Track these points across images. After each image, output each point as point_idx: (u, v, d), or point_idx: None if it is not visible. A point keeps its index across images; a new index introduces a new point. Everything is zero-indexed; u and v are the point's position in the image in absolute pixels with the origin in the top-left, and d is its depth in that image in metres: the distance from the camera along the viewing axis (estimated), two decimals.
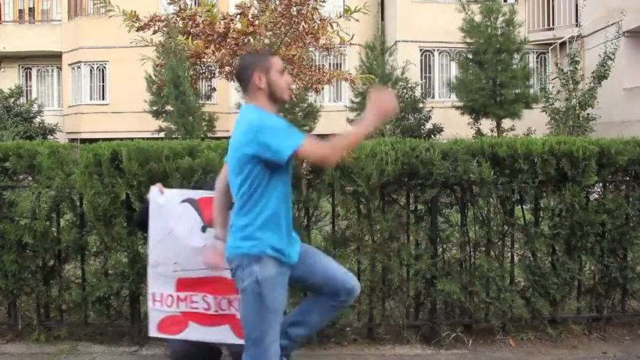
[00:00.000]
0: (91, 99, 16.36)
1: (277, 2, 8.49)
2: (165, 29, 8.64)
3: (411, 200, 3.65)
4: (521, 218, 3.68)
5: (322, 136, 2.35)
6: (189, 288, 2.76)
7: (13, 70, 17.57)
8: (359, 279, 3.50)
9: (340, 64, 14.75)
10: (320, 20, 8.65)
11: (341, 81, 9.85)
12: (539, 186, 3.59)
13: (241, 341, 2.68)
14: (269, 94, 2.35)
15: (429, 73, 15.47)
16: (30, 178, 3.70)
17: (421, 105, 13.53)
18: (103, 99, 16.32)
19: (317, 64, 10.37)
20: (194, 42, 8.28)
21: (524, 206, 3.73)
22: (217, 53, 8.14)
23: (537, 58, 15.20)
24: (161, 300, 2.80)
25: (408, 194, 3.63)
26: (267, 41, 8.08)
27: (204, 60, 8.97)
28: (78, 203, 3.58)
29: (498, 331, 3.67)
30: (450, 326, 3.66)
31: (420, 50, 15.19)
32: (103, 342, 3.64)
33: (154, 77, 11.71)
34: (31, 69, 17.88)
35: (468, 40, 11.97)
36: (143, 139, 3.71)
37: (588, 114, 10.79)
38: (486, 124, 12.28)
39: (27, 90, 17.20)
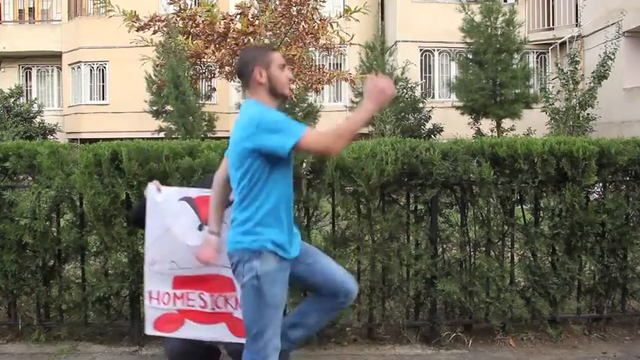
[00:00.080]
0: (91, 99, 16.37)
1: (277, 2, 8.49)
2: (165, 29, 8.64)
3: (411, 200, 3.64)
4: (521, 218, 3.68)
5: None
6: (186, 285, 2.76)
7: (13, 70, 17.58)
8: (359, 279, 3.51)
9: (340, 64, 14.76)
10: (320, 20, 8.65)
11: (341, 81, 9.87)
12: (539, 186, 3.59)
13: (238, 339, 2.68)
14: (270, 89, 2.37)
15: (429, 73, 15.47)
16: (30, 178, 3.70)
17: (421, 105, 13.55)
18: (103, 99, 16.32)
19: (317, 64, 10.39)
20: (194, 42, 8.28)
21: (524, 206, 3.73)
22: (217, 53, 8.14)
23: (537, 58, 15.20)
24: (158, 298, 2.79)
25: (408, 194, 3.63)
26: (267, 41, 8.08)
27: (204, 60, 8.98)
28: (78, 203, 3.58)
29: (498, 331, 3.67)
30: (450, 326, 3.66)
31: (420, 50, 15.19)
32: (103, 342, 3.64)
33: (153, 77, 11.72)
34: (31, 69, 17.89)
35: (468, 40, 11.97)
36: (143, 139, 3.71)
37: (588, 114, 10.79)
38: (486, 124, 12.28)
39: (27, 90, 17.21)
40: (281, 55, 2.49)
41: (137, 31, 8.50)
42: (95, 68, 16.32)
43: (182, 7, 8.48)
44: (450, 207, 3.73)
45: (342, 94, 15.85)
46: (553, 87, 11.85)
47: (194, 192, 2.78)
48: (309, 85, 8.81)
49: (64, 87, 17.11)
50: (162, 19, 8.49)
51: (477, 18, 11.69)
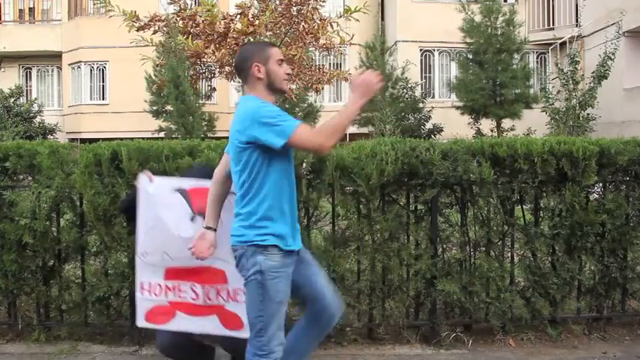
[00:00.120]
0: (91, 99, 16.37)
1: (277, 2, 8.49)
2: (165, 29, 8.64)
3: (411, 200, 3.64)
4: (521, 218, 3.68)
5: None
6: (178, 277, 2.74)
7: (13, 69, 17.58)
8: (359, 279, 3.52)
9: (340, 64, 14.77)
10: (320, 20, 8.65)
11: (341, 81, 9.87)
12: (539, 186, 3.59)
13: (229, 332, 2.68)
14: (268, 84, 2.38)
15: (429, 73, 15.47)
16: (30, 178, 3.70)
17: (421, 105, 13.55)
18: (103, 99, 16.32)
19: (317, 64, 10.38)
20: (194, 42, 8.28)
21: (524, 206, 3.73)
22: (217, 53, 8.14)
23: (537, 58, 15.21)
24: (149, 289, 2.78)
25: (408, 194, 3.63)
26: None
27: (204, 60, 8.98)
28: (78, 203, 3.58)
29: (498, 331, 3.67)
30: (449, 326, 3.66)
31: (420, 50, 15.19)
32: (103, 342, 3.64)
33: (154, 77, 11.72)
34: (31, 69, 17.89)
35: (468, 40, 11.98)
36: (143, 139, 3.71)
37: (588, 114, 10.80)
38: (486, 124, 12.29)
39: (27, 90, 17.21)
40: (279, 50, 2.50)
41: (137, 31, 8.51)
42: (95, 68, 16.32)
43: (182, 7, 8.48)
44: (450, 207, 3.73)
45: (342, 94, 15.85)
46: (553, 87, 11.86)
47: (186, 183, 2.76)
48: (309, 85, 8.81)
49: (64, 87, 17.11)
50: (163, 19, 8.50)
51: (477, 18, 11.70)
